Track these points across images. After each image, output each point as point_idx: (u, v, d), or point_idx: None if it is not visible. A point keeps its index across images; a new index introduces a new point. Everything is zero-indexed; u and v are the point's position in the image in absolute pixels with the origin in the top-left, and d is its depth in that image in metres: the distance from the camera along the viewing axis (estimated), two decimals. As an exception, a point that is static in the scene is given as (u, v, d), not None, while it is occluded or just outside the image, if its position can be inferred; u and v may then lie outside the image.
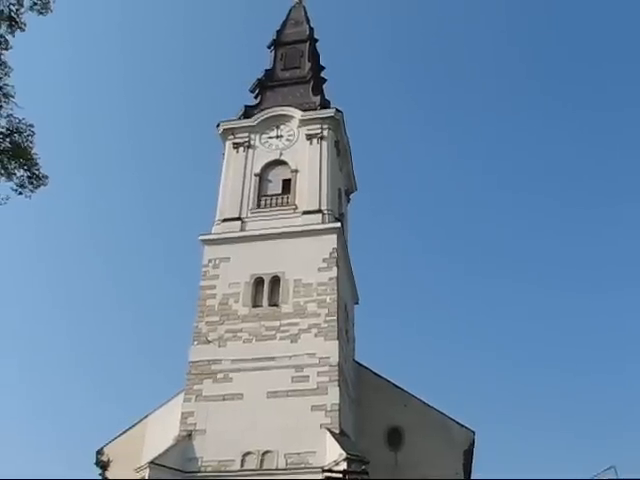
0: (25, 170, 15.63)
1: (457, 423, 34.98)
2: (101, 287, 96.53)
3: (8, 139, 15.31)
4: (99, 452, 35.34)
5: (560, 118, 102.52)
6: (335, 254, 34.61)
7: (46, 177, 16.00)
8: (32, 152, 15.58)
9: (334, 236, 35.44)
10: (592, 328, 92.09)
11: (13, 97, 15.48)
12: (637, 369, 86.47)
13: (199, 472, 29.83)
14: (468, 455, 34.91)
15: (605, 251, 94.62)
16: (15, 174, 15.63)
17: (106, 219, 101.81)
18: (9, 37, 15.71)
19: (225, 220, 37.25)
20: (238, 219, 37.19)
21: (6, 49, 15.68)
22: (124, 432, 35.81)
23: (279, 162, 39.46)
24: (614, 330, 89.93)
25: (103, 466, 34.82)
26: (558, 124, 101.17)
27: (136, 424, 35.74)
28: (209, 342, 33.06)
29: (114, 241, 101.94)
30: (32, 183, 15.79)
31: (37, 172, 15.76)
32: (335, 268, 34.19)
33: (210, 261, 35.65)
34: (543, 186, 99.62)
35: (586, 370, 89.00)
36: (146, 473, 29.01)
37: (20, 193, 15.85)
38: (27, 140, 15.47)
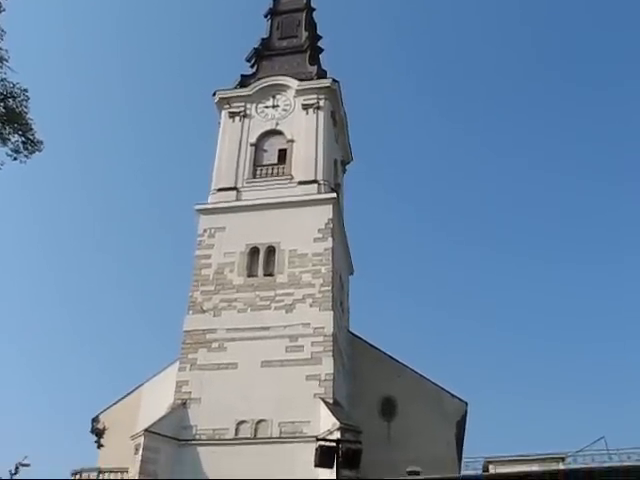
0: (20, 135, 15.45)
1: (450, 394, 35.23)
2: (96, 257, 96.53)
3: (2, 103, 15.12)
4: (94, 420, 35.56)
5: (562, 94, 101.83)
6: (331, 225, 34.64)
7: (41, 142, 15.84)
8: (27, 117, 15.44)
9: (330, 207, 35.47)
10: (587, 299, 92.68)
11: (7, 61, 15.29)
12: (628, 341, 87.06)
13: (194, 440, 30.10)
14: (460, 425, 35.25)
15: (605, 222, 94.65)
16: (10, 139, 15.45)
17: (101, 188, 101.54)
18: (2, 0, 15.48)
19: (220, 190, 37.20)
20: (234, 189, 37.15)
21: (-1, 11, 15.44)
22: (119, 400, 36.01)
23: (275, 132, 39.36)
24: (608, 301, 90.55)
25: (98, 433, 35.04)
26: (559, 99, 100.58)
27: (131, 392, 35.92)
28: (204, 311, 33.16)
29: (109, 210, 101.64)
30: (27, 149, 15.61)
31: (32, 137, 15.57)
32: (330, 239, 34.23)
33: (205, 231, 35.65)
34: (542, 160, 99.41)
35: (577, 342, 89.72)
36: (141, 440, 29.22)
37: (15, 159, 15.71)
38: (21, 105, 15.27)
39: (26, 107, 15.47)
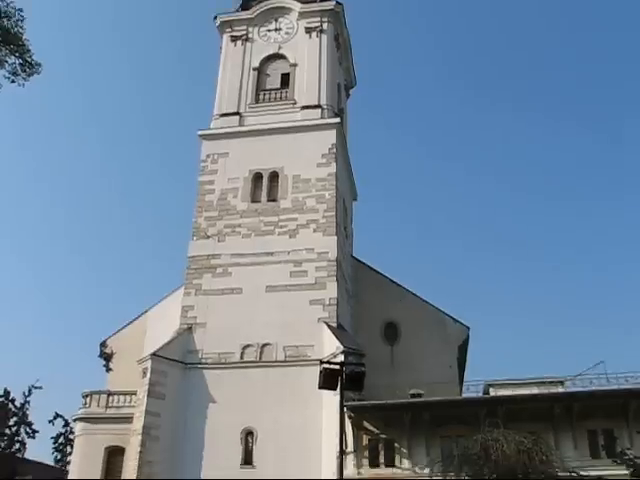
0: (17, 57, 15.07)
1: (452, 319, 35.56)
2: (100, 183, 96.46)
3: (-4, 24, 14.70)
4: (102, 344, 36.06)
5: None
6: (334, 150, 34.30)
7: (39, 65, 15.43)
8: (23, 38, 15.03)
9: (333, 131, 35.05)
10: (587, 221, 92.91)
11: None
12: (629, 267, 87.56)
13: (200, 364, 30.61)
14: (462, 350, 35.66)
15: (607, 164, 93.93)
16: (7, 61, 15.09)
17: (101, 114, 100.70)
18: None
19: (223, 115, 36.73)
20: (236, 114, 36.66)
21: None
22: (126, 325, 36.43)
23: (278, 56, 38.57)
24: (611, 230, 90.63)
25: (107, 358, 35.62)
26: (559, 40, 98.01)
27: (138, 317, 36.28)
28: (208, 237, 33.22)
29: (111, 137, 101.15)
30: (25, 71, 15.22)
31: (29, 59, 15.19)
32: (334, 164, 33.96)
33: (208, 156, 35.36)
34: (542, 102, 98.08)
35: (579, 266, 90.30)
36: (148, 364, 29.81)
37: (13, 81, 15.36)
38: (17, 25, 14.84)
39: (22, 28, 15.00)
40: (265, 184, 34.18)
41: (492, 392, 28.10)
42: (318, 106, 35.96)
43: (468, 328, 35.38)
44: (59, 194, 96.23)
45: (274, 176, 34.27)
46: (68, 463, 35.95)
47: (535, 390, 27.45)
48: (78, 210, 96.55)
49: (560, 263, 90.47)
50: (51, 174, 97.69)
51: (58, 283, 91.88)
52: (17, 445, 34.54)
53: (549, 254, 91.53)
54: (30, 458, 37.44)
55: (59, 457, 40.10)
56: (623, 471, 18.23)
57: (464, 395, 29.69)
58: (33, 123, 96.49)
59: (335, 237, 32.25)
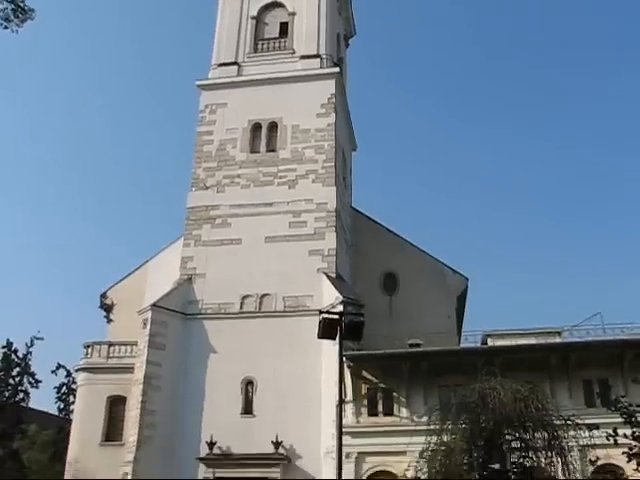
0: (9, 2, 14.75)
1: (451, 269, 35.65)
2: (98, 134, 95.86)
3: (-19, -39, 14.31)
4: (103, 296, 36.20)
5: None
6: (333, 100, 33.98)
7: (32, 10, 15.04)
8: (13, -19, 14.68)
9: (332, 81, 34.65)
10: (591, 185, 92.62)
11: None
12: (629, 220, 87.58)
13: (200, 314, 30.82)
14: (461, 300, 35.86)
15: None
16: (-1, 6, 14.78)
17: (99, 64, 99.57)
18: None
19: (221, 65, 36.20)
20: (235, 64, 36.16)
21: None
22: (126, 276, 36.56)
23: (276, 4, 37.77)
24: (611, 185, 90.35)
25: (107, 309, 35.82)
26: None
27: (138, 269, 36.39)
28: (207, 188, 33.14)
29: (109, 88, 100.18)
30: (18, 16, 14.91)
31: (22, 4, 14.88)
32: (333, 114, 33.67)
33: (207, 107, 35.03)
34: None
35: (578, 219, 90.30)
36: (149, 315, 30.05)
37: (6, 27, 15.05)
38: (6, -33, 14.52)
39: (11, -30, 14.61)
40: (264, 134, 33.96)
41: (490, 342, 28.34)
42: (317, 56, 35.47)
43: (467, 279, 35.53)
44: (57, 146, 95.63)
45: (273, 126, 34.02)
46: (71, 412, 36.38)
47: (532, 340, 27.70)
48: (77, 161, 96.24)
49: (560, 215, 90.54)
50: (49, 127, 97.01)
51: (58, 234, 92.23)
52: (21, 395, 34.94)
53: (549, 206, 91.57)
54: (34, 407, 37.96)
55: (62, 406, 40.59)
56: (617, 419, 18.40)
57: (462, 345, 29.98)
58: (28, 73, 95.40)
59: (334, 188, 32.16)
